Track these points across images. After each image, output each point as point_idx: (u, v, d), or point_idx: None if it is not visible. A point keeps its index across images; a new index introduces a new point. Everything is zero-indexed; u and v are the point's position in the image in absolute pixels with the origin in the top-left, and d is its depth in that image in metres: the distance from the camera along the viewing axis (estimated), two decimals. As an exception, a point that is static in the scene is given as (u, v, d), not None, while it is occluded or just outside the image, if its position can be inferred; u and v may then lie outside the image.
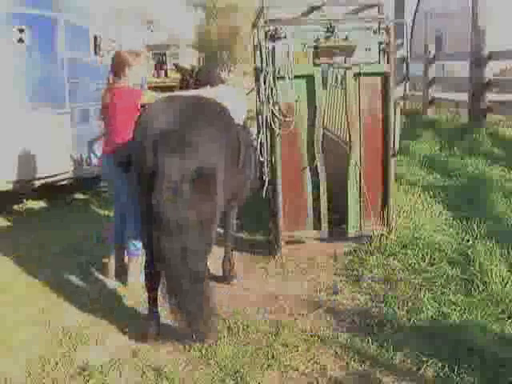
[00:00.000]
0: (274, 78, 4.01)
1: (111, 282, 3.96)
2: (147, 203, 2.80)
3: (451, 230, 4.46)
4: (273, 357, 2.90)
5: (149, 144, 2.80)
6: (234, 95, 3.76)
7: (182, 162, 2.73)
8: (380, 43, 4.29)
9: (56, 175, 5.50)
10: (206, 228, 2.93)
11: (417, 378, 2.70)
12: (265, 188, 4.21)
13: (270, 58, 4.03)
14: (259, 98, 4.25)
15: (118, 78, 3.87)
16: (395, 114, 4.21)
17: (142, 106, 3.70)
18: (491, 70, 7.98)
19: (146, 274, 3.16)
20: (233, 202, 3.66)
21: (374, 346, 2.96)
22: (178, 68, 4.35)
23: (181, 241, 2.76)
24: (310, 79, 4.11)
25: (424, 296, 3.42)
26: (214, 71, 4.19)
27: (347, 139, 4.29)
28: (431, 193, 5.33)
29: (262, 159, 4.23)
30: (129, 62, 3.84)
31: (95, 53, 6.35)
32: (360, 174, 4.25)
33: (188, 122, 2.88)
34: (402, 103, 9.27)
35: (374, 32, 4.30)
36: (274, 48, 4.04)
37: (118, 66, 3.86)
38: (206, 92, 3.58)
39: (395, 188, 4.72)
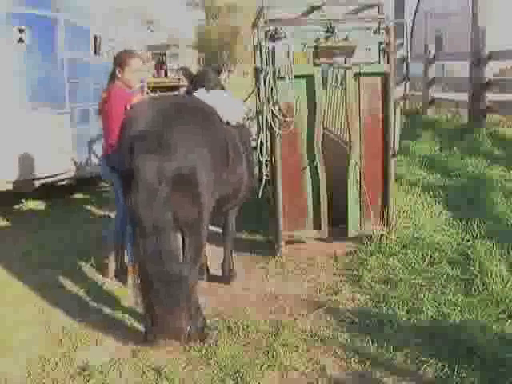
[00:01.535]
0: (274, 78, 4.01)
1: (111, 282, 3.96)
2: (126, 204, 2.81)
3: (451, 230, 4.47)
4: (273, 357, 2.89)
5: (127, 145, 2.76)
6: (225, 95, 3.74)
7: (159, 162, 2.68)
8: (380, 43, 4.30)
9: (56, 175, 5.50)
10: (192, 229, 2.91)
11: (417, 378, 2.70)
12: (261, 188, 4.20)
13: (270, 58, 4.02)
14: (259, 98, 4.25)
15: (115, 79, 3.85)
16: (395, 114, 4.21)
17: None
18: (491, 69, 7.98)
19: None
20: (231, 201, 3.64)
21: (374, 346, 2.96)
22: (185, 73, 4.29)
23: (156, 242, 2.72)
24: (310, 79, 4.11)
25: (424, 296, 3.42)
26: (209, 74, 4.15)
27: (347, 139, 4.29)
28: (431, 193, 5.34)
29: (262, 159, 4.23)
30: (126, 63, 3.80)
31: (95, 53, 6.35)
32: (360, 173, 4.25)
33: (167, 122, 2.83)
34: (401, 103, 9.31)
35: (374, 32, 4.30)
36: (273, 48, 4.04)
37: (116, 67, 3.83)
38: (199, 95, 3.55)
39: (395, 188, 4.72)
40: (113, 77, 3.86)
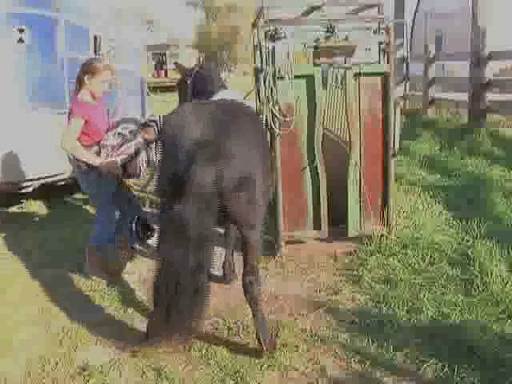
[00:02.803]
0: (273, 78, 4.01)
1: (111, 282, 3.96)
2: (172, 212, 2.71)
3: (451, 230, 4.47)
4: (273, 357, 2.89)
5: (181, 152, 2.66)
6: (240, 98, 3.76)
7: (219, 172, 2.60)
8: (380, 43, 4.30)
9: (56, 175, 5.50)
10: (252, 238, 2.86)
11: (417, 378, 2.70)
12: None
13: (270, 58, 4.02)
14: (259, 98, 4.25)
15: (82, 86, 3.85)
16: (395, 114, 4.21)
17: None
18: (491, 70, 7.98)
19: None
20: None
21: (374, 346, 2.96)
22: (177, 67, 4.29)
23: (198, 253, 2.61)
24: (309, 79, 4.11)
25: (424, 296, 3.42)
26: (215, 74, 4.10)
27: (347, 139, 4.29)
28: (431, 193, 5.34)
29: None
30: (98, 72, 3.79)
31: (95, 53, 6.35)
32: (360, 173, 4.25)
33: (224, 130, 2.74)
34: (401, 103, 9.30)
35: (374, 32, 4.30)
36: (274, 48, 4.04)
37: (85, 74, 3.82)
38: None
39: (395, 188, 4.73)
40: (80, 83, 3.85)
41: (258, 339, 2.89)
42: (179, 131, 2.79)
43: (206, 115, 2.83)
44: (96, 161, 3.73)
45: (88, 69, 3.82)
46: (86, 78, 3.80)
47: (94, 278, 3.98)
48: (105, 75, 3.86)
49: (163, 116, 3.50)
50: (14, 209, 5.95)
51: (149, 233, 4.30)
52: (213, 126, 2.74)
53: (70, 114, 3.83)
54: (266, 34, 4.05)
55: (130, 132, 3.85)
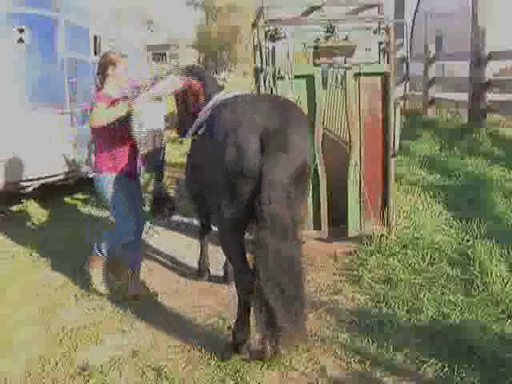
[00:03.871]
0: (273, 78, 4.01)
1: (111, 282, 3.96)
2: (245, 207, 2.66)
3: (451, 230, 4.47)
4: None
5: (252, 145, 2.60)
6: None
7: (291, 162, 2.60)
8: (380, 43, 4.30)
9: (56, 175, 5.50)
10: (301, 229, 2.82)
11: (417, 378, 2.70)
12: None
13: (270, 58, 4.03)
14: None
15: (106, 80, 3.77)
16: (395, 114, 4.21)
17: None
18: (491, 70, 7.98)
19: (239, 285, 2.92)
20: None
21: (374, 346, 2.96)
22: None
23: (294, 243, 2.61)
24: (309, 79, 4.11)
25: (424, 296, 3.42)
26: (209, 80, 3.94)
27: (347, 139, 4.29)
28: (431, 193, 5.34)
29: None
30: (118, 62, 3.72)
31: (95, 53, 6.35)
32: (360, 174, 4.25)
33: (286, 120, 2.70)
34: (401, 103, 9.30)
35: (374, 32, 4.30)
36: (274, 48, 4.04)
37: (108, 66, 3.73)
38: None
39: (395, 188, 4.72)
40: (104, 78, 3.73)
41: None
42: (240, 121, 2.68)
43: (263, 106, 2.76)
44: (135, 101, 3.49)
45: (109, 61, 3.77)
46: (110, 69, 3.75)
47: (94, 277, 3.97)
48: (124, 62, 3.84)
49: (215, 107, 3.20)
50: (13, 209, 5.95)
51: (171, 205, 4.12)
52: (276, 116, 2.69)
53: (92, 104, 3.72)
54: (266, 34, 4.05)
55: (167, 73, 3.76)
